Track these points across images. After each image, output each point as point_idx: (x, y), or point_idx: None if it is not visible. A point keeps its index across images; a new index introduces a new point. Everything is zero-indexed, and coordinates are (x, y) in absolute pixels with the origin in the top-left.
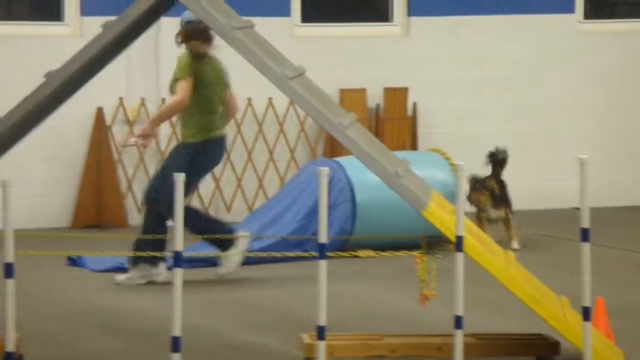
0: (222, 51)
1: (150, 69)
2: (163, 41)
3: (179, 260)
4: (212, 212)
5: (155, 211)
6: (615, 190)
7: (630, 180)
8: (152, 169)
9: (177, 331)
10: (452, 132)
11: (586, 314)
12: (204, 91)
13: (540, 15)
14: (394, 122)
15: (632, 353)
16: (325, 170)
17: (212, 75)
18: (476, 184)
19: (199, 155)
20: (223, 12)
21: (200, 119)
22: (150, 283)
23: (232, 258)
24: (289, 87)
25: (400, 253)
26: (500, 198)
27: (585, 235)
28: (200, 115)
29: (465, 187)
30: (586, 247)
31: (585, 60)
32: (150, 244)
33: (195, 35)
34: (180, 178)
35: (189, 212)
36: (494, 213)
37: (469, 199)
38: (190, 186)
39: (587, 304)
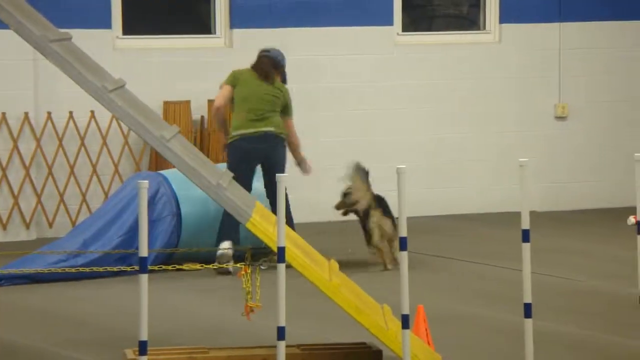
0: (40, 64)
1: None
2: None
3: None
4: (33, 228)
5: None
6: (439, 199)
7: (453, 189)
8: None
9: None
10: None
11: (405, 321)
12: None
13: (362, 27)
14: (219, 134)
15: (450, 358)
16: (144, 184)
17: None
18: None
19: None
20: (39, 24)
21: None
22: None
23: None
24: (109, 100)
25: (225, 265)
26: None
27: (403, 243)
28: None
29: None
30: (404, 255)
31: (405, 72)
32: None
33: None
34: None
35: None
36: None
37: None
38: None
39: (405, 311)
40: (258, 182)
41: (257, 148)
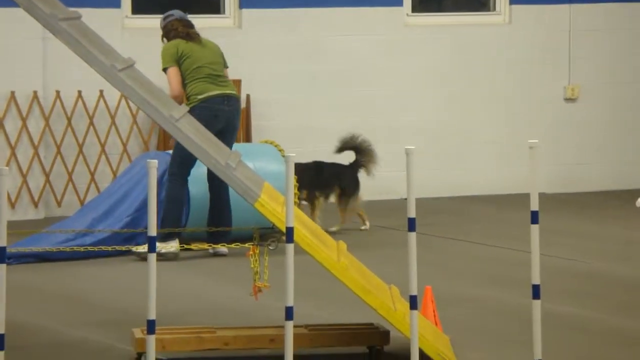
0: (49, 43)
1: None
2: None
3: (3, 256)
4: (42, 207)
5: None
6: (447, 180)
7: (460, 171)
8: None
9: (0, 329)
10: (285, 124)
11: (413, 302)
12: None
13: (371, 8)
14: None
15: (458, 339)
16: (154, 163)
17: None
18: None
19: None
20: (48, 2)
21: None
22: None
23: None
24: (118, 79)
25: (232, 245)
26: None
27: (412, 225)
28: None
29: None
30: (412, 236)
31: (414, 53)
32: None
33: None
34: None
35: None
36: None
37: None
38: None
39: (413, 292)
40: (268, 164)
41: None
